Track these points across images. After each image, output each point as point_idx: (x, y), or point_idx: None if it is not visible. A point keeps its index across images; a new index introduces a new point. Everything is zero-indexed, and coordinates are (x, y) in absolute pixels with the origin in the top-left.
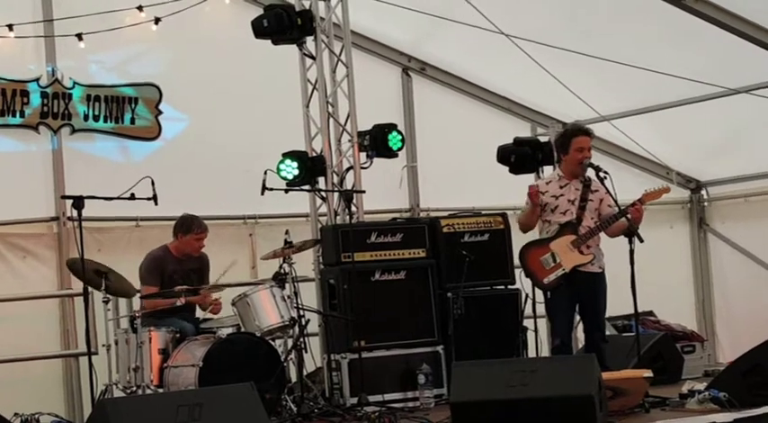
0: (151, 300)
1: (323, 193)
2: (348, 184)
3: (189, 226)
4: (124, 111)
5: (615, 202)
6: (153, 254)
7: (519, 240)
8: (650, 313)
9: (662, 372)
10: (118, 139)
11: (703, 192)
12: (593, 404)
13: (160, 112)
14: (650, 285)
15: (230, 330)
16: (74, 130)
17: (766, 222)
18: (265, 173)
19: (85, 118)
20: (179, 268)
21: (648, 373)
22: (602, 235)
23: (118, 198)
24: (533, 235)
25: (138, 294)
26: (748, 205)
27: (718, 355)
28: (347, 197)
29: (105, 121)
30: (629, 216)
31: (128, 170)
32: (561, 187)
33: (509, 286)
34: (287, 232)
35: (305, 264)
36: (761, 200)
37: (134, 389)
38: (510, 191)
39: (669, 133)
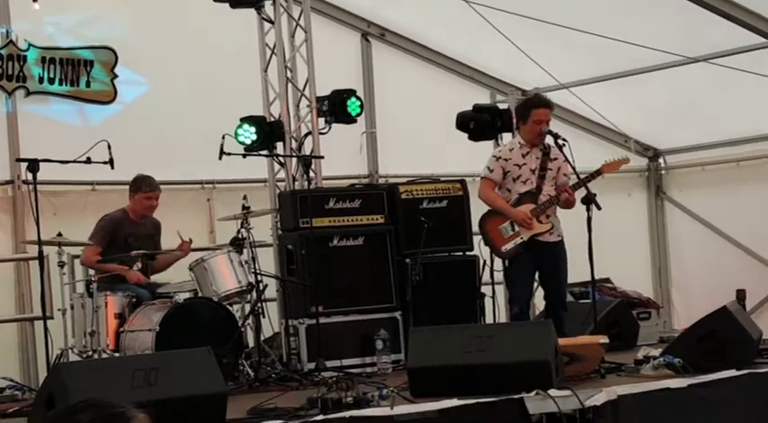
0: (106, 263)
1: (281, 159)
2: (306, 150)
3: (139, 185)
4: (80, 74)
5: (573, 169)
6: (110, 215)
7: (477, 207)
8: (607, 280)
9: (618, 338)
10: (74, 103)
11: (661, 160)
12: (550, 370)
13: (116, 76)
14: (607, 253)
15: (187, 295)
16: (28, 93)
17: (723, 191)
18: (223, 137)
19: (40, 81)
20: (135, 232)
21: (604, 340)
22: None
23: (74, 161)
24: None
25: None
26: (705, 174)
27: (673, 322)
28: (305, 163)
29: (60, 83)
30: (560, 197)
31: (84, 134)
32: (524, 155)
33: (467, 253)
34: (245, 197)
35: (263, 229)
36: (717, 168)
37: (90, 353)
38: (469, 157)
39: (628, 101)
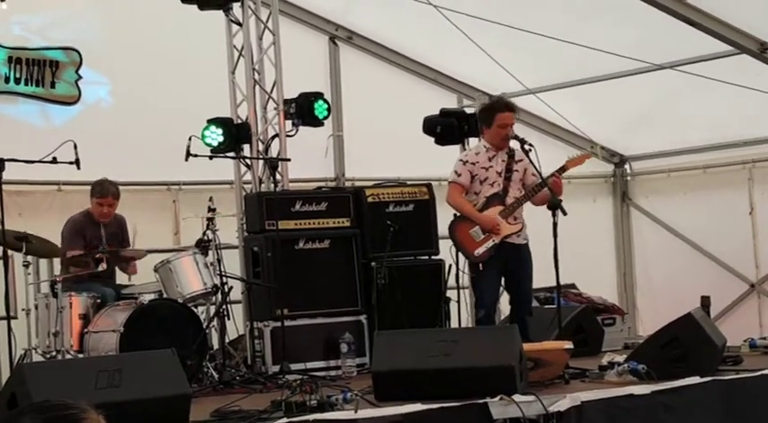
0: (75, 265)
1: (248, 161)
2: (273, 152)
3: (93, 189)
4: (45, 74)
5: (539, 174)
6: (73, 217)
7: (444, 211)
8: (572, 286)
9: (582, 344)
10: (39, 103)
11: (627, 166)
12: (514, 375)
13: (80, 77)
14: (573, 258)
15: (152, 296)
16: None
17: (689, 197)
18: (190, 139)
19: (6, 80)
20: (98, 233)
21: (569, 345)
22: (526, 208)
23: (40, 161)
24: None
25: (60, 259)
26: (671, 180)
27: (638, 328)
28: (272, 165)
29: (27, 84)
30: (545, 185)
31: (49, 134)
32: (490, 159)
33: (433, 257)
34: (211, 199)
35: (229, 231)
36: (683, 175)
37: (54, 354)
38: (435, 162)
39: (594, 107)
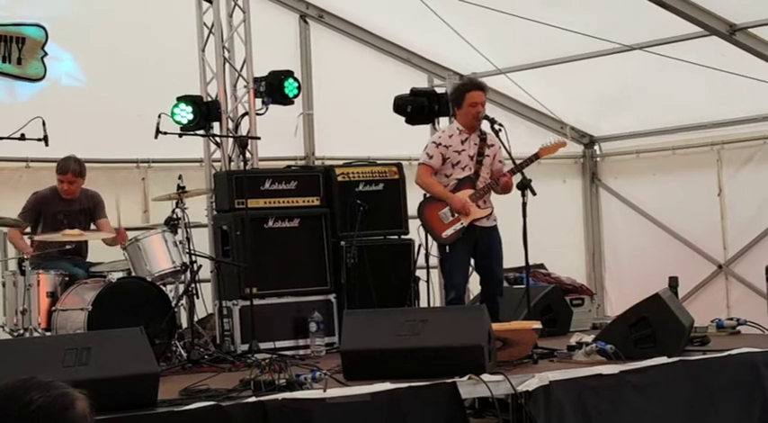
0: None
1: (217, 139)
2: (243, 131)
3: (56, 166)
4: (11, 51)
5: (509, 154)
6: (39, 192)
7: (413, 191)
8: (541, 266)
9: (551, 324)
10: (4, 79)
11: (596, 147)
12: (483, 354)
13: (46, 54)
14: (542, 238)
15: (121, 274)
16: None
17: (657, 178)
18: (159, 116)
19: None
20: (64, 208)
21: (537, 325)
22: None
23: (8, 138)
24: None
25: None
26: (639, 161)
27: (606, 309)
28: (242, 143)
29: None
30: (499, 182)
31: (14, 110)
32: (462, 142)
33: (402, 236)
34: (180, 177)
35: (198, 209)
36: (652, 156)
37: (21, 332)
38: (405, 141)
39: (564, 88)
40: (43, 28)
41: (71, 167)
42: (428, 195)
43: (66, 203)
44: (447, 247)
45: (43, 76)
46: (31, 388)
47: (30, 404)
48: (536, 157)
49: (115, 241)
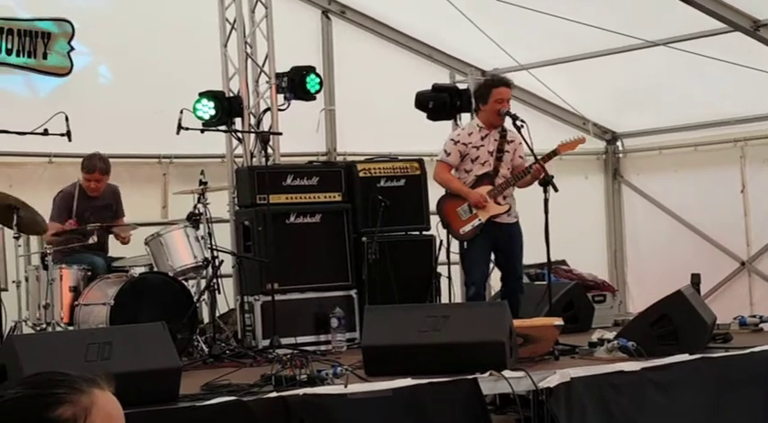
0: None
1: (239, 135)
2: (265, 126)
3: (82, 164)
4: (37, 46)
5: (531, 150)
6: (63, 190)
7: (435, 187)
8: (563, 262)
9: (572, 320)
10: (24, 74)
11: (619, 143)
12: (504, 351)
13: (72, 49)
14: (564, 235)
15: (143, 269)
16: None
17: (679, 175)
18: (181, 112)
19: None
20: (89, 205)
21: (559, 322)
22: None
23: (31, 133)
24: None
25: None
26: (662, 157)
27: (628, 305)
28: (264, 139)
29: (18, 55)
30: (530, 171)
31: (36, 106)
32: (482, 138)
33: (424, 232)
34: (202, 173)
35: (219, 205)
36: (675, 152)
37: (44, 326)
38: (427, 137)
39: (587, 84)
40: (69, 23)
41: (98, 167)
42: (446, 191)
43: (91, 200)
44: (465, 244)
45: (69, 71)
46: (23, 382)
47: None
48: (555, 153)
49: (125, 240)
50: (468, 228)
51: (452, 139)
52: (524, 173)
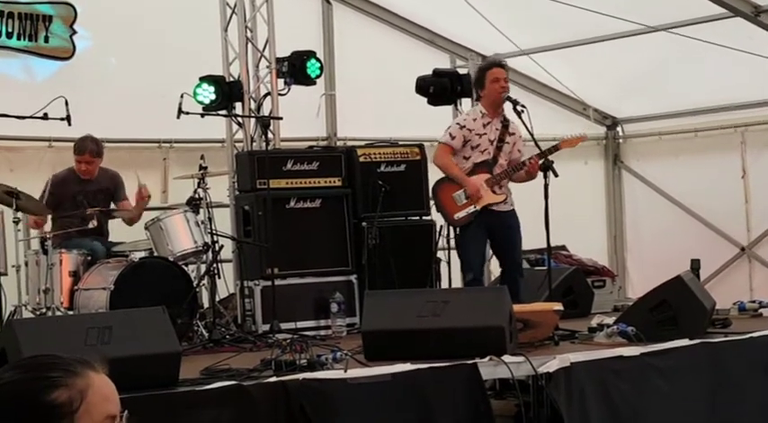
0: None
1: (239, 119)
2: (265, 111)
3: (73, 146)
4: (38, 29)
5: (532, 135)
6: (56, 174)
7: (435, 172)
8: (563, 248)
9: (572, 305)
10: (21, 57)
11: (619, 129)
12: (504, 336)
13: (74, 32)
14: (563, 220)
15: (143, 254)
16: None
17: (680, 160)
18: (182, 96)
19: None
20: (83, 189)
21: (559, 307)
22: None
23: (31, 117)
24: None
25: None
26: (662, 143)
27: (627, 291)
28: (264, 124)
29: (19, 38)
30: (526, 167)
31: (35, 90)
32: (485, 125)
33: (424, 217)
34: (202, 157)
35: (219, 189)
36: (675, 138)
37: (44, 311)
38: (427, 122)
39: (587, 69)
40: (72, 6)
41: (88, 148)
42: (442, 176)
43: (84, 184)
44: (459, 230)
45: (72, 55)
46: (18, 366)
47: None
48: (556, 149)
49: (133, 221)
50: (462, 214)
51: (458, 123)
52: (519, 167)
